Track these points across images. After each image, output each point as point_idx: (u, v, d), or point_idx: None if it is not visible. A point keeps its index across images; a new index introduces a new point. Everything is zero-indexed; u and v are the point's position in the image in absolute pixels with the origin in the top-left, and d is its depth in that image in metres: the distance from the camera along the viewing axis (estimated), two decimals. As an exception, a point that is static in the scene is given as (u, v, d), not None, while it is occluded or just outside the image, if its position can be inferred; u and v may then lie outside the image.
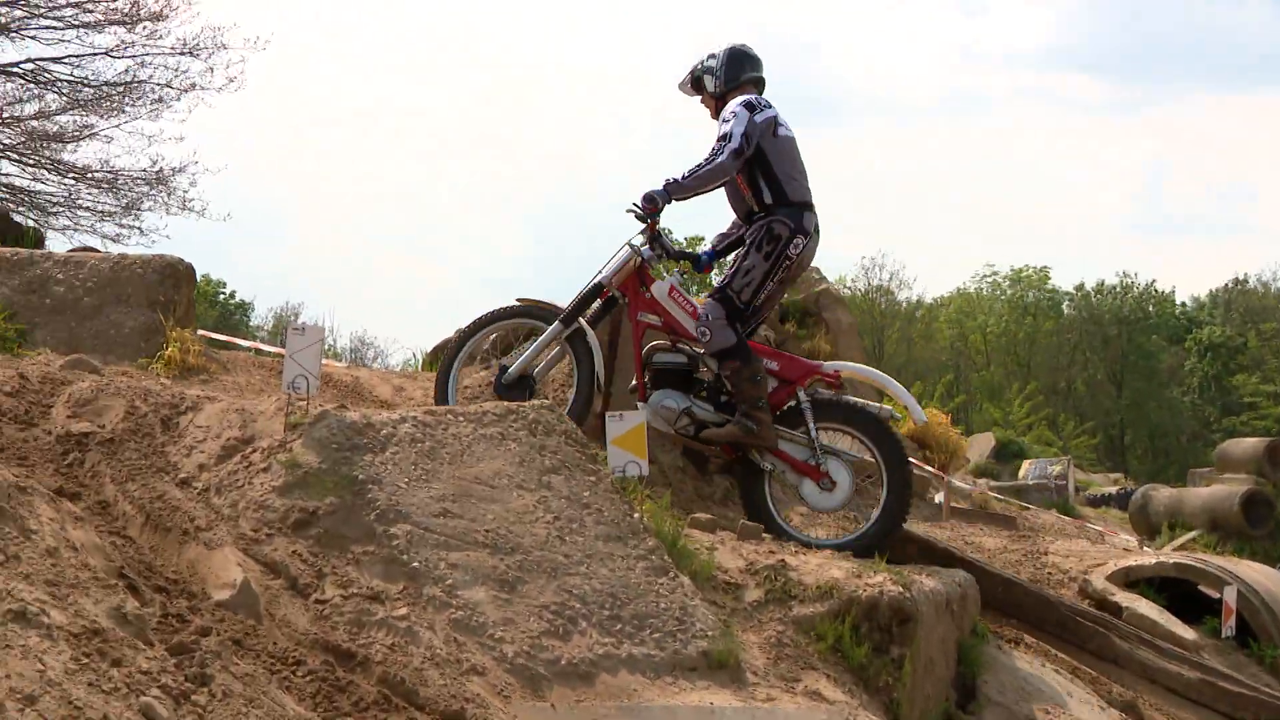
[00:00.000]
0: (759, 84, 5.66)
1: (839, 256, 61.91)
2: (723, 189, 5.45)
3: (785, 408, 5.37)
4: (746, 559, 4.46)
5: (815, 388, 5.42)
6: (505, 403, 4.59)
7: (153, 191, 20.70)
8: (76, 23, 19.93)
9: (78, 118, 20.56)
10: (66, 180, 20.63)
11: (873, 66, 70.75)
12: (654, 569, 3.92)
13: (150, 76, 20.83)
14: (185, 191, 21.00)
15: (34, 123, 20.40)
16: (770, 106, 5.47)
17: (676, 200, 5.34)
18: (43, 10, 19.85)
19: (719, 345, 5.32)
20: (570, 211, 64.09)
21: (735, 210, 5.56)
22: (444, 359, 5.66)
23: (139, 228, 20.83)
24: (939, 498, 10.64)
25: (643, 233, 5.52)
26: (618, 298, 5.60)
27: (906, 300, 42.77)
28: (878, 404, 5.37)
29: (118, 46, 20.38)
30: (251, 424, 4.21)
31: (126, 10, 19.85)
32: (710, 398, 5.43)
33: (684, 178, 5.30)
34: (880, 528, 5.15)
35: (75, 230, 20.60)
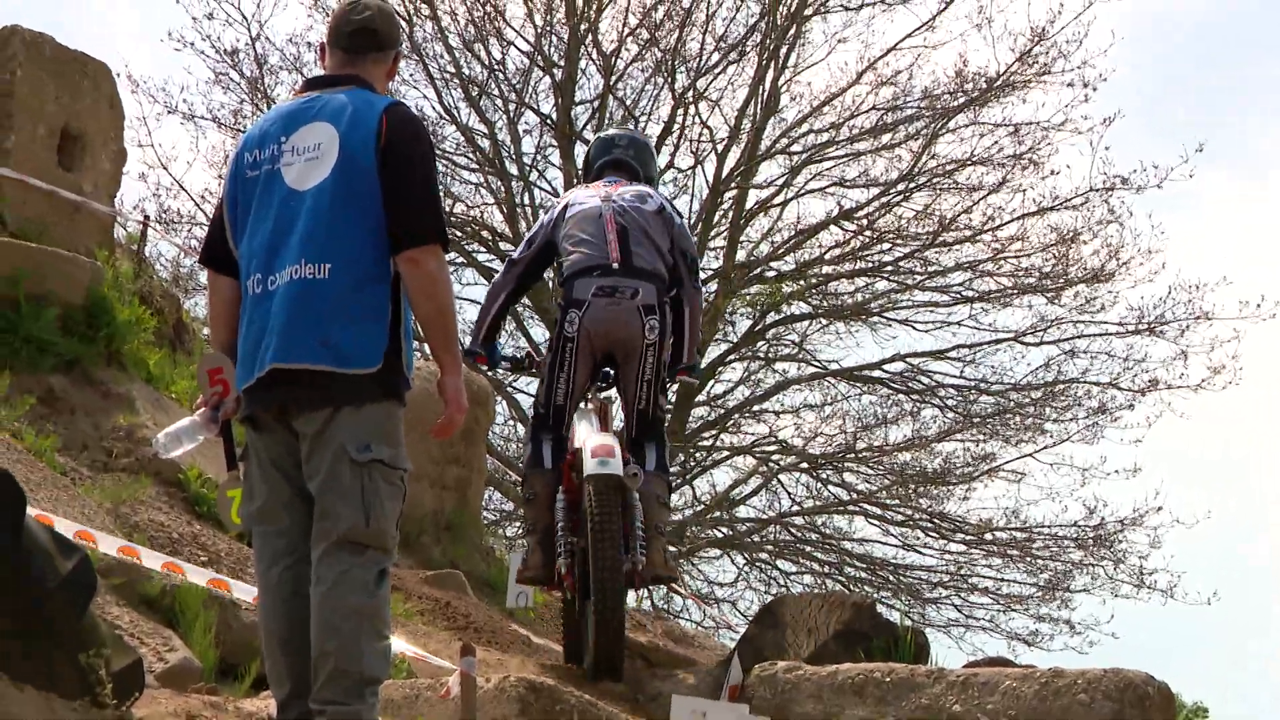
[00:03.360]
0: (616, 165, 8.87)
1: None
2: None
3: None
4: None
5: None
6: None
7: (1089, 560, 22.11)
8: (968, 294, 22.65)
9: (969, 444, 22.97)
10: (952, 545, 22.87)
11: None
12: None
13: (1084, 373, 22.66)
14: (1142, 558, 22.18)
15: (903, 456, 23.15)
16: (575, 188, 8.80)
17: (483, 343, 8.75)
18: (917, 278, 22.78)
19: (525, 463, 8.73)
20: None
21: None
22: None
23: (1068, 620, 22.20)
24: None
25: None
26: None
27: None
28: None
29: (1032, 328, 22.61)
30: None
31: (1049, 270, 22.21)
32: None
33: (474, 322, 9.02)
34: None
35: (966, 625, 22.57)
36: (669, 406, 9.04)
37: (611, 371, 8.60)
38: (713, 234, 23.41)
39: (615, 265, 8.25)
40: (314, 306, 5.19)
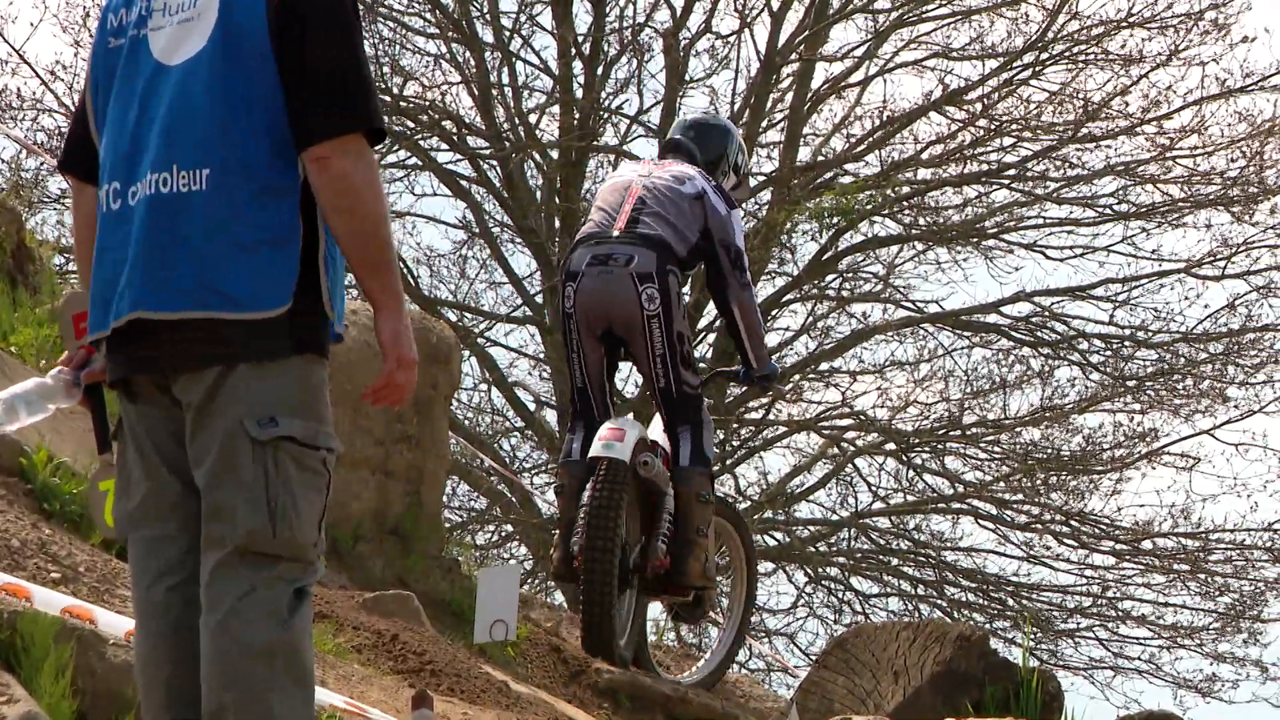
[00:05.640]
0: (673, 148, 10.70)
1: None
2: None
3: None
4: None
5: None
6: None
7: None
8: (1122, 209, 22.13)
9: (1122, 417, 22.74)
10: (1097, 556, 22.73)
11: None
12: None
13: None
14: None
15: (1030, 434, 23.08)
16: (629, 163, 12.25)
17: None
18: (1051, 186, 22.51)
19: None
20: None
21: None
22: None
23: (1258, 661, 22.07)
24: None
25: None
26: None
27: None
28: None
29: (1212, 256, 22.29)
30: None
31: (1236, 175, 21.59)
32: None
33: None
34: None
35: (1115, 668, 22.60)
36: (696, 382, 10.36)
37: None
38: (764, 125, 23.33)
39: (616, 234, 9.96)
40: (187, 229, 4.98)
